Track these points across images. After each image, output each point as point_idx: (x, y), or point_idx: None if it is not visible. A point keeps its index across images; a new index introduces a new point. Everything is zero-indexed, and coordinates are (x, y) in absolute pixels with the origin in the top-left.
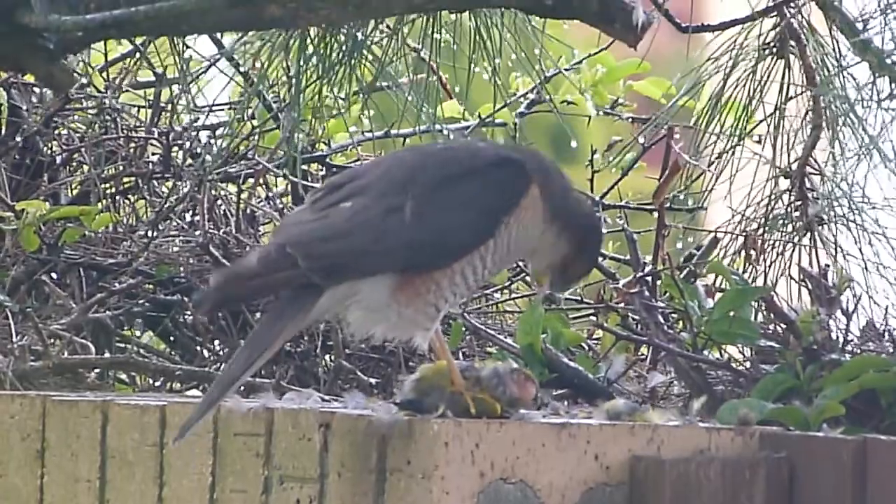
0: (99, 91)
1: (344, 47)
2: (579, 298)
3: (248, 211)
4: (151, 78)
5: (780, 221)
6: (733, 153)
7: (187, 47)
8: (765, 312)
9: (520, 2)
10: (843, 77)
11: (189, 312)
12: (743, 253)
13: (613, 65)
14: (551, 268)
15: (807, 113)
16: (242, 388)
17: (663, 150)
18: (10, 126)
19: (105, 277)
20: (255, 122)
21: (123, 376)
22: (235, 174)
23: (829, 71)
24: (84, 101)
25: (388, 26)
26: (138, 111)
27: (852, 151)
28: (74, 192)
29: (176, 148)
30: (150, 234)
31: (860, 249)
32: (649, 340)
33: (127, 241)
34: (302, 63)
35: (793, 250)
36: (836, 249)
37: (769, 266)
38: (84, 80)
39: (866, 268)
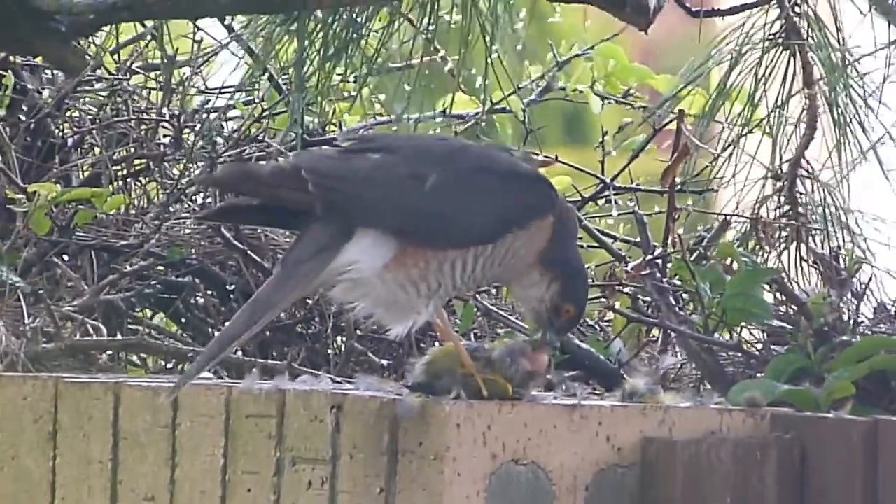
0: (110, 73)
1: (349, 29)
2: (590, 280)
3: None
4: (163, 60)
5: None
6: (746, 137)
7: (198, 30)
8: (776, 294)
9: None
10: (847, 76)
11: (200, 294)
12: (753, 236)
13: (626, 63)
14: (537, 313)
15: (802, 111)
16: (254, 369)
17: (673, 134)
18: (22, 108)
19: (117, 259)
20: (264, 105)
21: (135, 358)
22: (246, 156)
23: (833, 65)
24: (95, 83)
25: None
26: (149, 93)
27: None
28: (86, 174)
29: (187, 130)
30: (161, 216)
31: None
32: (660, 322)
33: (138, 222)
34: (307, 44)
35: (807, 234)
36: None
37: (780, 248)
38: (95, 63)
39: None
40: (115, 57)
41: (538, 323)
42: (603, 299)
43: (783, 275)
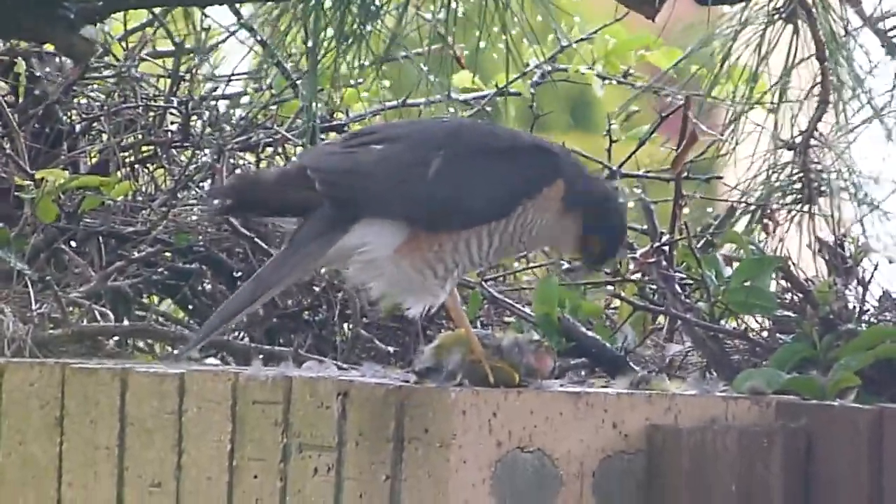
0: (118, 60)
1: (358, 16)
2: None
3: None
4: (171, 47)
5: (780, 193)
6: (747, 117)
7: (206, 16)
8: (782, 282)
9: None
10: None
11: (207, 280)
12: (759, 223)
13: (624, 37)
14: (573, 250)
15: (814, 85)
16: (261, 355)
17: (680, 120)
18: (30, 95)
19: (124, 246)
20: (273, 91)
21: (142, 344)
22: (254, 143)
23: (837, 39)
24: (103, 70)
25: None
26: (157, 80)
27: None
28: (93, 160)
29: (195, 117)
30: (168, 202)
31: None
32: (666, 310)
33: (146, 209)
34: (318, 31)
35: (810, 221)
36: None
37: (786, 234)
38: (103, 50)
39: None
40: (123, 44)
41: (577, 257)
42: (611, 287)
43: (789, 262)
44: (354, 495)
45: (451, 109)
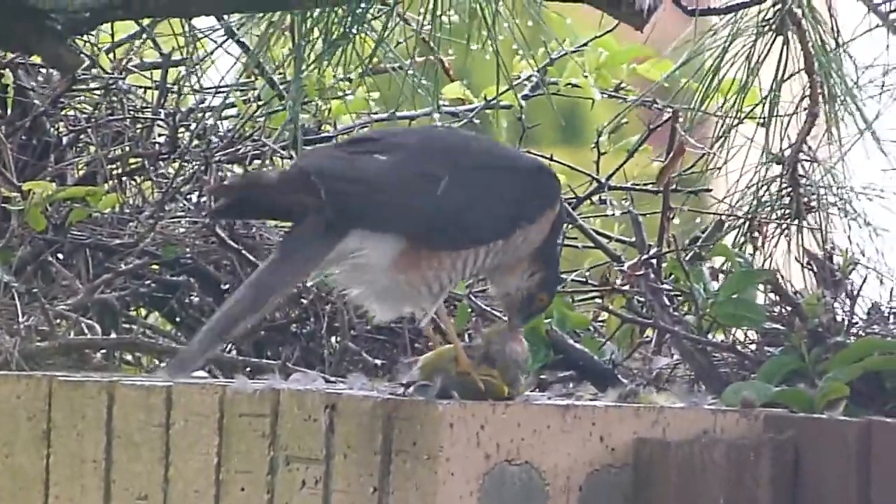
0: (106, 72)
1: (344, 23)
2: (584, 280)
3: None
4: (158, 59)
5: (769, 207)
6: (736, 130)
7: (194, 28)
8: (770, 295)
9: None
10: (840, 59)
11: (194, 293)
12: (748, 236)
13: (616, 49)
14: (511, 299)
15: (803, 98)
16: (248, 368)
17: (668, 133)
18: (17, 107)
19: (111, 258)
20: (260, 103)
21: (129, 357)
22: (241, 155)
23: (827, 50)
24: (91, 81)
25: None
26: (145, 92)
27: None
28: (81, 172)
29: (182, 129)
30: (156, 215)
31: (848, 238)
32: (654, 323)
33: (133, 221)
34: (302, 41)
35: (798, 233)
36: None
37: (774, 248)
38: (91, 61)
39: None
40: (111, 55)
41: (507, 308)
42: (599, 300)
43: (778, 275)
44: None
45: (440, 122)
